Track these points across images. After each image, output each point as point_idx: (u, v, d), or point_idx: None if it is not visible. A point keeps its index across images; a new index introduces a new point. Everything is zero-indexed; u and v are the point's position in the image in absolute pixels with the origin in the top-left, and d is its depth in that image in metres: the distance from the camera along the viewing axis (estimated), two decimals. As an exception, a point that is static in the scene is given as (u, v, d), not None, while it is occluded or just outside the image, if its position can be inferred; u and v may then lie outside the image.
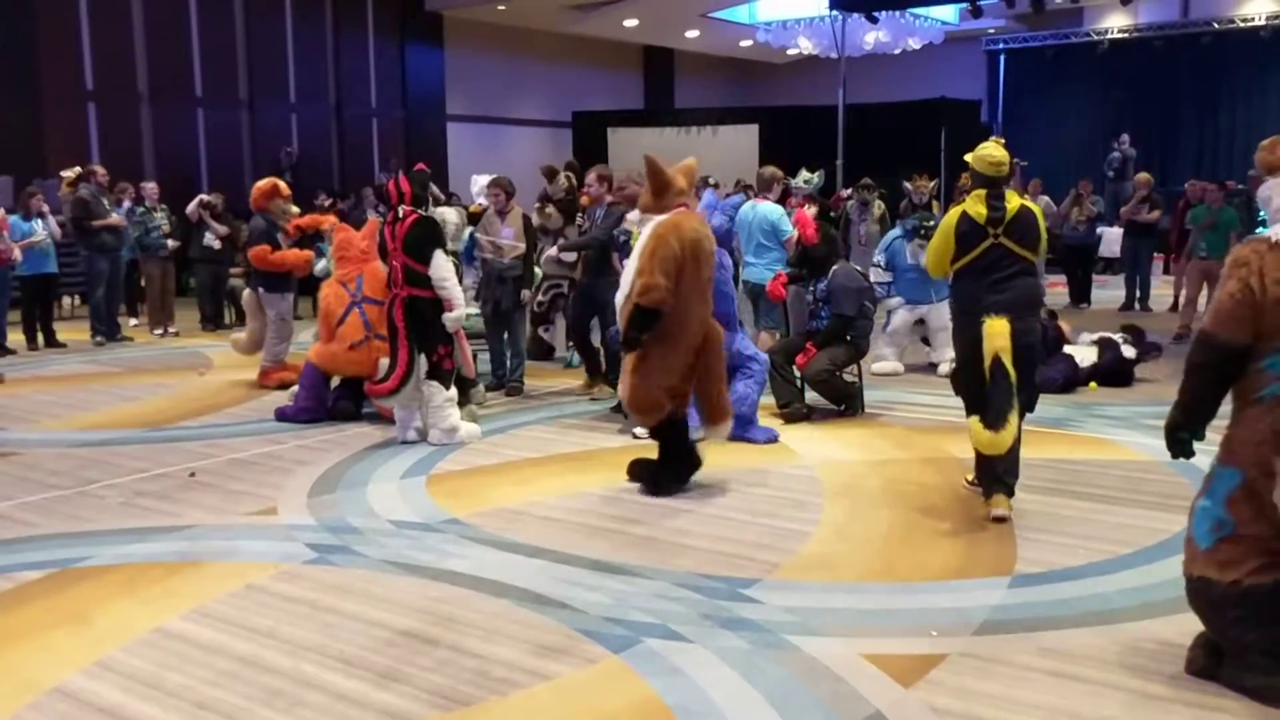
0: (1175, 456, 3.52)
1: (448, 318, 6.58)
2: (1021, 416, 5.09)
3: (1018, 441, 5.07)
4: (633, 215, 7.49)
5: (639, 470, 5.78)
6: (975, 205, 5.17)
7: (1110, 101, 23.04)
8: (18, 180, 12.82)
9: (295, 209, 8.81)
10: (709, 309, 5.71)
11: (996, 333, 4.97)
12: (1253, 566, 3.27)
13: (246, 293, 9.04)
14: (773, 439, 6.69)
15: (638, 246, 5.61)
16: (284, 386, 8.58)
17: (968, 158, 5.30)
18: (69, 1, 15.81)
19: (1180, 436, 3.48)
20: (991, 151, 5.18)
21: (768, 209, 8.44)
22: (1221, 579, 3.30)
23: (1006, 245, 5.12)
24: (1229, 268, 3.37)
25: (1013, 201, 5.19)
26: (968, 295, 5.19)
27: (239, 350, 9.06)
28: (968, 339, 5.15)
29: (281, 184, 8.88)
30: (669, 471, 5.72)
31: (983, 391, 5.00)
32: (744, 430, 6.66)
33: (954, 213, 5.30)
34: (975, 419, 4.96)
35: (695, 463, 5.79)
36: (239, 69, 18.11)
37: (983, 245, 5.13)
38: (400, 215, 6.59)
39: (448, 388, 6.66)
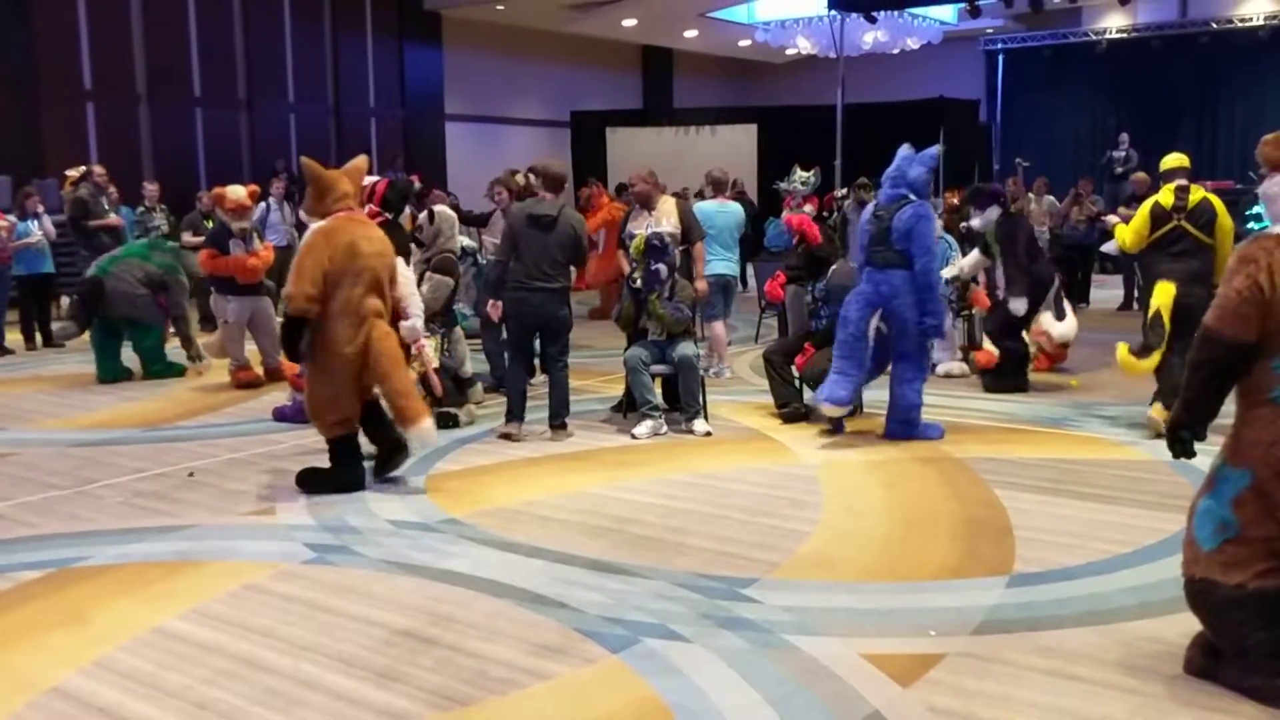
0: (1177, 456, 3.47)
1: (404, 325, 6.19)
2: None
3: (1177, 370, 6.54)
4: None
5: (307, 474, 5.75)
6: (1166, 195, 6.89)
7: (1108, 101, 23.05)
8: (16, 180, 12.82)
9: (241, 225, 8.74)
10: (374, 314, 5.57)
11: (1161, 294, 6.62)
12: (1259, 569, 3.22)
13: (213, 296, 9.05)
14: (938, 435, 6.73)
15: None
16: (250, 385, 8.62)
17: (1163, 165, 7.10)
18: (67, 0, 15.80)
19: (1182, 436, 3.42)
20: (1178, 155, 7.10)
21: (737, 208, 9.19)
22: (1226, 581, 3.25)
23: (1185, 228, 6.78)
24: (1235, 264, 3.30)
25: (1195, 194, 6.84)
26: (1150, 264, 6.97)
27: (210, 354, 9.09)
28: (1147, 295, 6.91)
29: (230, 193, 8.79)
30: (328, 480, 5.66)
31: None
32: (912, 430, 6.71)
33: (1150, 200, 7.04)
34: (1123, 345, 6.72)
35: (356, 479, 5.70)
36: (237, 69, 18.08)
37: (1167, 226, 6.83)
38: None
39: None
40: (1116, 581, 4.29)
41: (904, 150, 6.92)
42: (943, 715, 3.25)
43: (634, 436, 6.81)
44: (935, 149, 6.97)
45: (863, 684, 3.44)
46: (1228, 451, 3.38)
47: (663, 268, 6.98)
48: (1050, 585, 4.27)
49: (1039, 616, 3.96)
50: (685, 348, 6.97)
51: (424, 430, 5.60)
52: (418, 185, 9.96)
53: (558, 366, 6.90)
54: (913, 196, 6.70)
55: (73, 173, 11.89)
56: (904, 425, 6.69)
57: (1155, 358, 6.59)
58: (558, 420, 6.89)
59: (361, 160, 5.99)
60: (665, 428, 6.94)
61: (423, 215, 7.66)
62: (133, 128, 16.72)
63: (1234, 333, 3.26)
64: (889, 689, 3.41)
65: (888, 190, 6.82)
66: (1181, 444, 3.45)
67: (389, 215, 6.47)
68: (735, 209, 9.14)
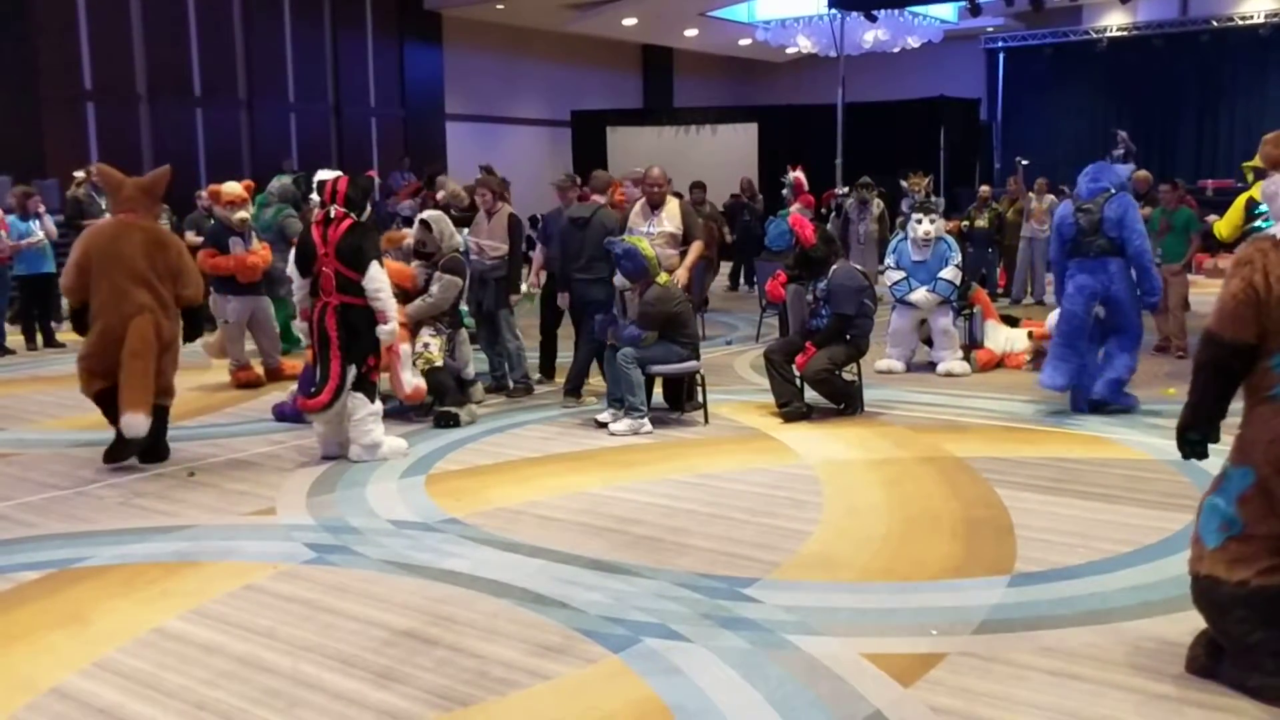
0: (1187, 457, 3.48)
1: (382, 330, 6.25)
2: None
3: None
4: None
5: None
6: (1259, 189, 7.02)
7: (1109, 100, 23.06)
8: (16, 180, 12.82)
9: (241, 215, 8.72)
10: (137, 307, 6.16)
11: None
12: (1262, 566, 3.24)
13: (212, 296, 9.00)
14: (1134, 404, 7.24)
15: None
16: (250, 385, 8.61)
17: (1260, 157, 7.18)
18: (67, 1, 15.80)
19: (1190, 438, 3.44)
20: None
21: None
22: (1229, 578, 3.27)
23: None
24: (1232, 267, 3.35)
25: None
26: None
27: (209, 354, 9.03)
28: None
29: (225, 187, 8.77)
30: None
31: None
32: (1117, 397, 7.20)
33: (1245, 194, 7.36)
34: None
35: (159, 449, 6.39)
36: (238, 69, 18.09)
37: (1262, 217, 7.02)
38: (332, 217, 6.26)
39: (372, 401, 6.32)
40: (1118, 581, 4.28)
41: (1094, 166, 7.47)
42: (944, 715, 3.25)
43: (598, 422, 7.10)
44: (1129, 166, 7.62)
45: (864, 684, 3.44)
46: (1233, 450, 3.41)
47: (620, 279, 7.23)
48: (1052, 584, 4.26)
49: (1040, 616, 3.96)
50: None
51: (130, 422, 6.02)
52: (378, 181, 9.95)
53: (588, 340, 7.68)
54: (1113, 189, 7.12)
55: (80, 174, 11.92)
56: (1111, 390, 7.18)
57: None
58: (571, 385, 7.75)
59: (163, 170, 6.71)
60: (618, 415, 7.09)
61: (414, 230, 7.65)
62: (133, 128, 16.72)
63: (1233, 334, 3.30)
64: (890, 689, 3.41)
65: (1088, 185, 7.24)
66: (1190, 445, 3.46)
67: (355, 215, 6.29)
68: None
